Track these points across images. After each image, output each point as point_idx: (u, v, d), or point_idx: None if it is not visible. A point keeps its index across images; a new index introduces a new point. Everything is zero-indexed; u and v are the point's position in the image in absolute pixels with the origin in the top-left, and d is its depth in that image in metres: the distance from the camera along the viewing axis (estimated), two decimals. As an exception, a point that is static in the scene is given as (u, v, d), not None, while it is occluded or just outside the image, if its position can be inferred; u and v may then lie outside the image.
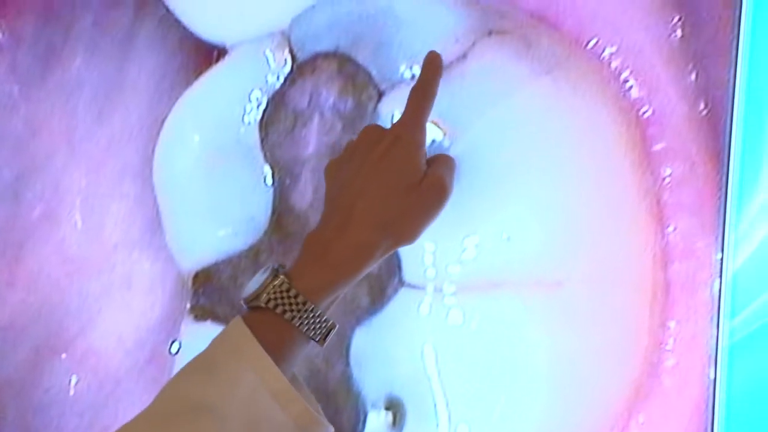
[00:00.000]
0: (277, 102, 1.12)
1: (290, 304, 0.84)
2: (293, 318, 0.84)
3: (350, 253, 0.87)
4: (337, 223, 0.88)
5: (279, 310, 0.84)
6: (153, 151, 1.15)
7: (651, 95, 1.05)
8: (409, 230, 0.89)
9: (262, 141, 1.12)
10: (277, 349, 0.84)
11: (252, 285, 0.86)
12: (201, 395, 0.82)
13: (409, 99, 0.93)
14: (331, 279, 0.86)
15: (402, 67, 1.09)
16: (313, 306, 0.85)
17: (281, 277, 0.85)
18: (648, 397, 1.06)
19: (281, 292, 0.84)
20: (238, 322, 0.84)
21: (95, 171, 1.16)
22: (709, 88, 1.05)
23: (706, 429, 1.03)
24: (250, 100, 1.13)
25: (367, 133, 0.92)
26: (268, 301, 0.84)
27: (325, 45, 1.12)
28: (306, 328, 0.85)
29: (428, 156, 0.94)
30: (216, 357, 0.85)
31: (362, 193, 0.88)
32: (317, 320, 0.85)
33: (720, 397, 1.02)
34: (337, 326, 0.89)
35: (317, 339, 0.86)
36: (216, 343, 0.86)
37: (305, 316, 0.84)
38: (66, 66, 1.19)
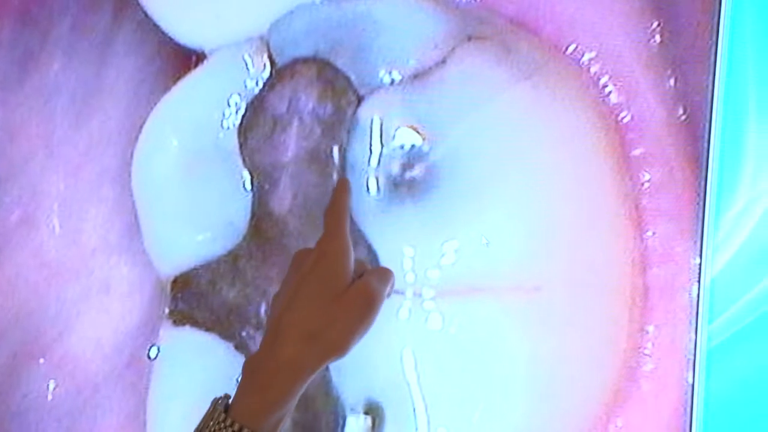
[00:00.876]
0: (256, 107, 1.12)
1: None
2: None
3: (278, 371, 0.85)
4: (267, 341, 0.87)
5: None
6: (131, 155, 1.14)
7: (630, 100, 1.06)
8: (338, 340, 0.87)
9: (240, 146, 1.12)
10: None
11: (200, 421, 0.87)
12: None
13: (324, 218, 0.92)
14: (264, 402, 0.85)
15: (381, 72, 1.09)
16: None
17: (218, 408, 0.86)
18: (626, 401, 1.07)
19: (219, 423, 0.85)
20: None
21: (73, 175, 1.16)
22: (687, 94, 1.05)
23: (684, 433, 1.04)
24: (228, 105, 1.13)
25: (296, 257, 0.92)
26: None
27: (304, 50, 1.12)
28: None
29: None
30: None
31: (288, 307, 0.87)
32: None
33: (698, 401, 1.03)
34: None
35: None
36: None
37: None
38: (44, 70, 1.19)
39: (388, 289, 0.91)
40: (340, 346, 0.87)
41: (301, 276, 0.88)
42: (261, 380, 0.85)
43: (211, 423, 0.85)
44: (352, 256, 0.89)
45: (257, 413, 0.85)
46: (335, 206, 0.93)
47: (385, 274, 0.91)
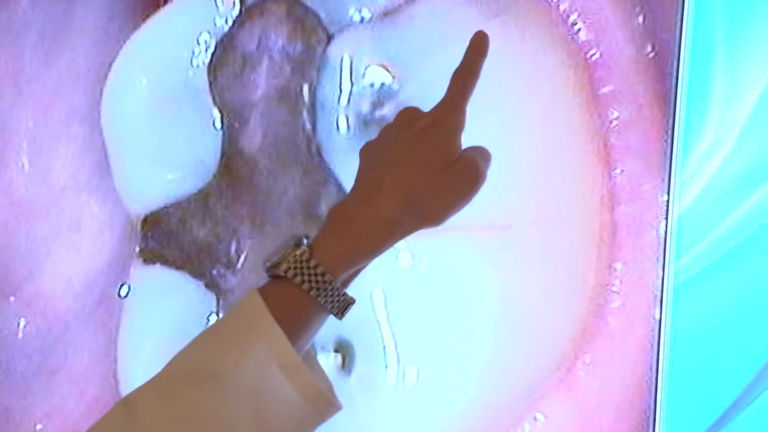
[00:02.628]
0: (225, 45, 1.12)
1: (309, 275, 0.82)
2: (311, 289, 0.82)
3: (372, 226, 0.84)
4: (364, 195, 0.85)
5: (297, 280, 0.82)
6: (101, 93, 1.14)
7: (599, 38, 1.06)
8: (436, 210, 0.86)
9: (210, 84, 1.12)
10: (293, 321, 0.82)
11: (275, 253, 0.85)
12: (209, 362, 0.81)
13: (451, 81, 0.90)
14: (351, 252, 0.84)
15: (351, 10, 1.09)
16: (332, 278, 0.83)
17: (302, 247, 0.83)
18: (594, 337, 1.08)
19: (301, 262, 0.82)
20: (253, 292, 0.83)
21: (42, 113, 1.15)
22: (656, 31, 1.05)
23: (651, 368, 1.05)
24: (198, 44, 1.13)
25: (405, 114, 0.90)
26: (287, 270, 0.83)
27: (273, -13, 1.11)
28: (324, 300, 0.83)
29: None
30: (228, 326, 0.84)
31: (392, 167, 0.85)
32: (335, 293, 0.84)
33: (665, 337, 1.04)
34: (355, 301, 0.87)
35: (335, 312, 0.85)
36: (230, 312, 0.85)
37: (323, 287, 0.83)
38: (12, 8, 1.18)
39: (488, 167, 0.90)
40: (438, 216, 0.85)
41: (412, 137, 0.86)
42: (352, 232, 0.83)
43: (292, 260, 0.83)
44: (463, 129, 0.88)
45: (341, 262, 0.82)
46: (465, 71, 0.90)
47: (487, 155, 0.90)
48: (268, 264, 0.82)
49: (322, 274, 0.81)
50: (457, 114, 0.87)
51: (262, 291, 0.81)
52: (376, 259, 1.00)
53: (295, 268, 0.81)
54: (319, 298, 0.81)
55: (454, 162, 0.85)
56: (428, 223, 0.85)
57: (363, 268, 0.85)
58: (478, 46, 0.90)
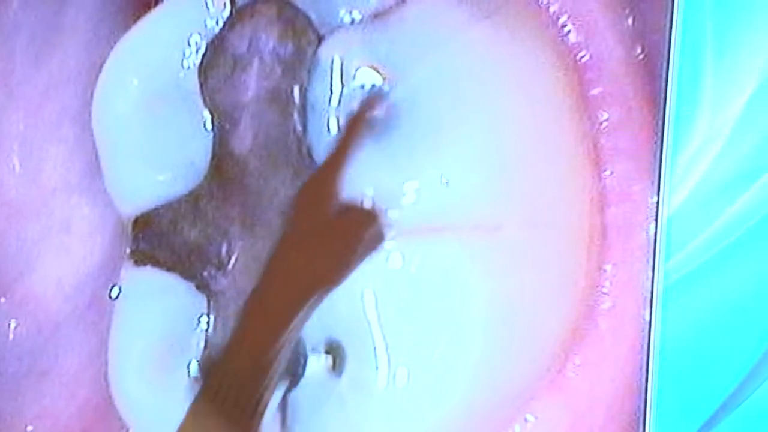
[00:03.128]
0: (216, 46, 1.11)
1: None
2: None
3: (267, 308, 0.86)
4: (257, 284, 0.88)
5: None
6: (92, 95, 1.14)
7: (588, 40, 1.06)
8: (320, 277, 0.87)
9: (201, 86, 1.11)
10: None
11: None
12: None
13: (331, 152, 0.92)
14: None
15: (342, 12, 1.09)
16: None
17: None
18: (584, 339, 1.08)
19: None
20: None
21: (33, 114, 1.15)
22: (645, 33, 1.06)
23: (641, 370, 1.05)
24: (189, 45, 1.12)
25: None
26: None
27: (264, -11, 1.11)
28: None
29: None
30: None
31: (274, 254, 0.88)
32: None
33: (655, 338, 1.04)
34: None
35: None
36: None
37: None
38: (2, 9, 1.17)
39: (372, 226, 0.90)
40: (323, 284, 0.86)
41: (288, 214, 0.87)
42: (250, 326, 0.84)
43: None
44: (340, 192, 0.88)
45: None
46: (342, 143, 0.91)
47: (365, 213, 0.90)
48: None
49: None
50: (323, 180, 0.88)
51: None
52: (367, 260, 1.01)
53: None
54: None
55: (326, 226, 0.86)
56: (323, 285, 0.85)
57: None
58: (353, 127, 0.92)
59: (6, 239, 1.16)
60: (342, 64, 1.07)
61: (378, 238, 0.91)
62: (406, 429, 1.06)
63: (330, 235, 0.86)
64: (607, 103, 1.06)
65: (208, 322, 1.12)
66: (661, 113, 1.03)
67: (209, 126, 1.12)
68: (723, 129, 1.02)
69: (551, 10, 1.06)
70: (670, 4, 1.02)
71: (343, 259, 0.87)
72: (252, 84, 1.10)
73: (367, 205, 0.91)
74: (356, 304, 1.05)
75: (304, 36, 1.09)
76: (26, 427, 1.17)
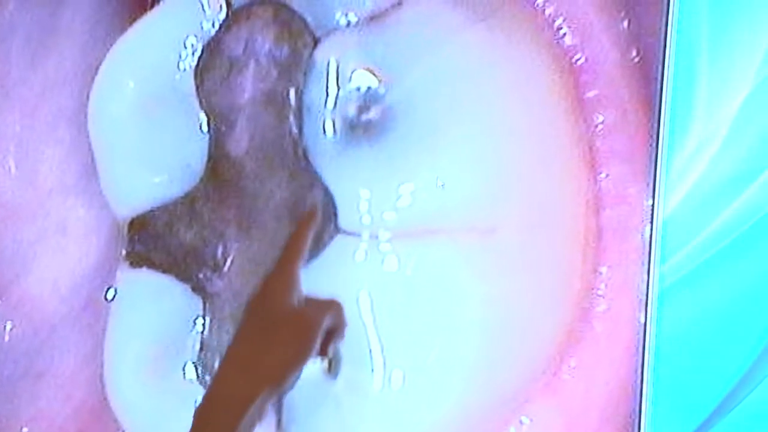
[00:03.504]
0: (212, 49, 1.12)
1: None
2: None
3: (214, 406, 0.86)
4: (211, 382, 0.88)
5: None
6: (88, 97, 1.14)
7: (584, 42, 1.06)
8: (270, 369, 0.85)
9: (197, 88, 1.11)
10: None
11: None
12: None
13: (284, 245, 0.92)
14: None
15: (338, 14, 1.09)
16: None
17: None
18: (579, 341, 1.08)
19: None
20: None
21: (29, 116, 1.15)
22: (641, 36, 1.06)
23: (636, 372, 1.05)
24: (185, 47, 1.12)
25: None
26: None
27: (259, -9, 1.11)
28: None
29: None
30: None
31: (230, 345, 0.87)
32: None
33: (650, 341, 1.04)
34: None
35: None
36: None
37: None
38: (-2, 10, 1.18)
39: (329, 320, 0.89)
40: (274, 376, 0.85)
41: (243, 314, 0.87)
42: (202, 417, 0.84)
43: None
44: (297, 287, 0.88)
45: None
46: (294, 240, 0.92)
47: (324, 305, 0.89)
48: None
49: None
50: (281, 273, 0.88)
51: None
52: (361, 262, 1.01)
53: None
54: None
55: (280, 319, 0.85)
56: (267, 384, 0.84)
57: None
58: (307, 222, 0.92)
59: (2, 241, 1.16)
60: (338, 67, 1.07)
61: (340, 329, 0.91)
62: (402, 431, 1.07)
63: (285, 329, 0.86)
64: (602, 105, 1.06)
65: (203, 324, 1.12)
66: (657, 116, 1.03)
67: (205, 128, 1.12)
68: (718, 132, 1.03)
69: (547, 12, 1.06)
70: (665, 8, 1.02)
71: (299, 354, 0.87)
72: (248, 86, 1.10)
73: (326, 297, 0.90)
74: (352, 307, 1.05)
75: (299, 38, 1.09)
76: (22, 428, 1.17)
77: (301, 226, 0.92)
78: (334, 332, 0.88)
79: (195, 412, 0.83)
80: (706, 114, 1.02)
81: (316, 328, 0.86)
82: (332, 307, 0.89)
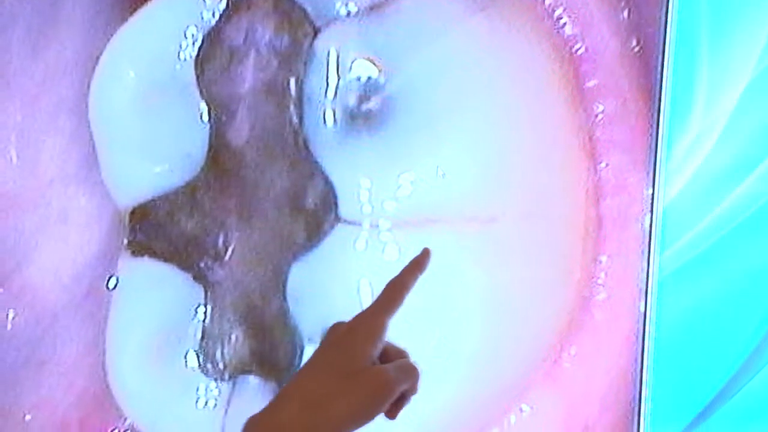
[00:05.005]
0: (212, 38, 1.12)
1: None
2: None
3: (270, 430, 0.83)
4: (272, 402, 0.85)
5: None
6: (88, 86, 1.14)
7: (584, 32, 1.06)
8: (336, 418, 0.84)
9: (197, 78, 1.12)
10: None
11: None
12: None
13: (382, 290, 0.90)
14: None
15: (338, 4, 1.09)
16: None
17: None
18: (580, 330, 1.08)
19: None
20: None
21: (30, 106, 1.15)
22: (641, 26, 1.06)
23: (636, 360, 1.05)
24: (185, 37, 1.12)
25: (331, 329, 0.89)
26: None
27: (259, -19, 1.11)
28: None
29: None
30: None
31: (301, 373, 0.84)
32: None
33: (650, 330, 1.04)
34: None
35: None
36: None
37: None
38: (-2, 0, 1.18)
39: (407, 384, 0.87)
40: (336, 425, 0.84)
41: (325, 345, 0.85)
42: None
43: None
44: (384, 338, 0.86)
45: None
46: (398, 284, 0.90)
47: (406, 368, 0.88)
48: None
49: None
50: (373, 323, 0.86)
51: None
52: (362, 251, 1.01)
53: None
54: None
55: (361, 370, 0.83)
56: (333, 428, 0.83)
57: None
58: (419, 263, 0.90)
59: (3, 230, 1.16)
60: (338, 56, 1.07)
61: (411, 394, 0.89)
62: (402, 419, 1.07)
63: (365, 382, 0.84)
64: (602, 95, 1.06)
65: (205, 313, 1.13)
66: (657, 105, 1.04)
67: (206, 118, 1.12)
68: (718, 121, 1.03)
69: (547, 2, 1.06)
70: (665, -3, 1.02)
71: (369, 410, 0.85)
72: (248, 76, 1.10)
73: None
74: (352, 295, 1.06)
75: (300, 28, 1.09)
76: (24, 416, 1.17)
77: (404, 274, 0.90)
78: (406, 396, 0.87)
79: (245, 425, 0.82)
80: (706, 104, 1.02)
81: (394, 390, 0.84)
82: (413, 373, 0.87)
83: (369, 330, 0.85)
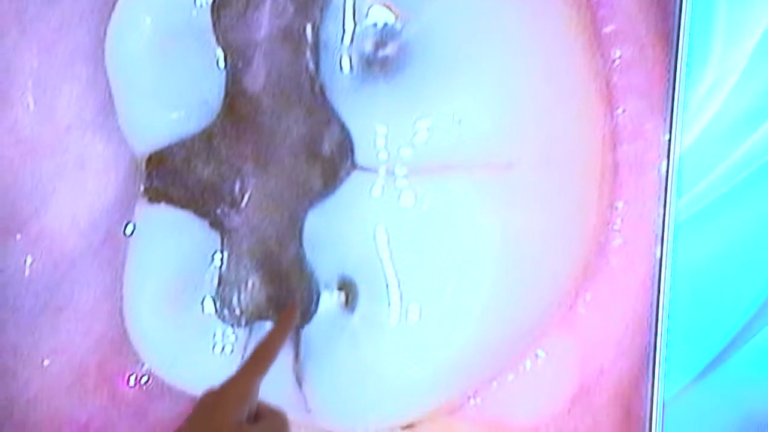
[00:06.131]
0: (228, -16, 1.12)
1: None
2: None
3: None
4: None
5: None
6: (105, 33, 1.13)
7: (602, -23, 1.06)
8: None
9: (214, 24, 1.11)
10: None
11: None
12: None
13: (251, 353, 0.93)
14: None
15: (354, -50, 1.09)
16: None
17: None
18: (595, 275, 1.09)
19: None
20: None
21: (47, 52, 1.15)
22: (659, -30, 1.05)
23: (651, 306, 1.06)
24: (201, -18, 1.12)
25: (202, 398, 0.91)
26: None
27: (276, -74, 1.11)
28: None
29: None
30: None
31: None
32: None
33: (666, 275, 1.05)
34: None
35: None
36: None
37: None
38: (15, -53, 1.17)
39: None
40: None
41: (194, 411, 0.87)
42: None
43: None
44: (253, 400, 0.88)
45: None
46: (262, 348, 0.93)
47: (274, 428, 0.90)
48: None
49: None
50: (242, 386, 0.88)
51: None
52: (378, 198, 1.02)
53: None
54: None
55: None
56: None
57: None
58: (284, 325, 0.93)
59: (21, 176, 1.16)
60: (354, 3, 1.07)
61: None
62: (418, 364, 1.07)
63: None
64: (619, 40, 1.06)
65: (221, 259, 1.13)
66: (674, 51, 1.03)
67: (222, 64, 1.12)
68: (736, 67, 1.03)
69: (564, -53, 1.06)
70: (683, -58, 1.02)
71: None
72: (264, 22, 1.10)
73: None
74: (368, 242, 1.06)
75: (316, -26, 1.09)
76: (43, 361, 1.18)
77: (272, 335, 0.93)
78: None
79: None
80: (724, 49, 1.02)
81: None
82: (280, 426, 0.90)
83: (238, 393, 0.88)
